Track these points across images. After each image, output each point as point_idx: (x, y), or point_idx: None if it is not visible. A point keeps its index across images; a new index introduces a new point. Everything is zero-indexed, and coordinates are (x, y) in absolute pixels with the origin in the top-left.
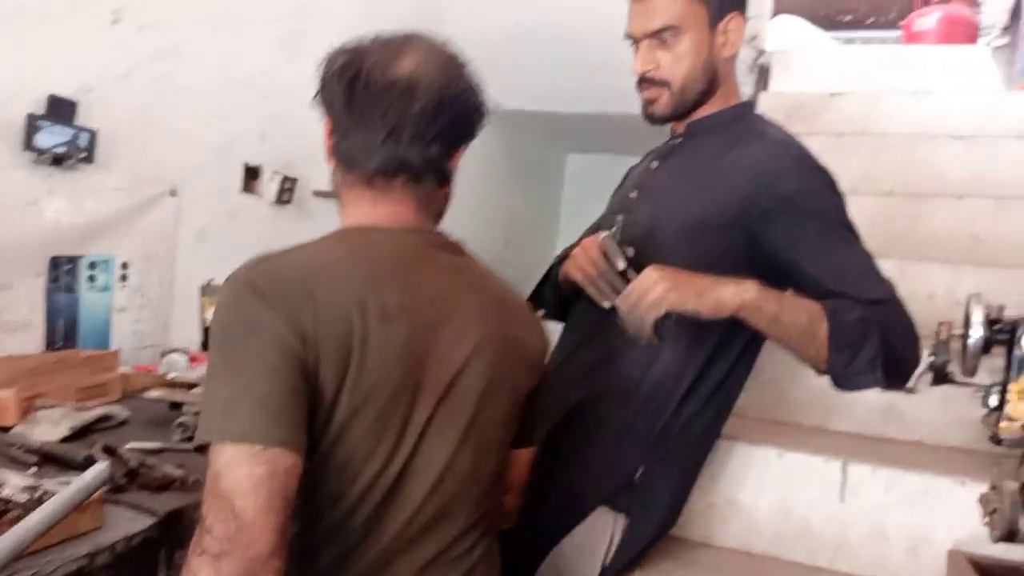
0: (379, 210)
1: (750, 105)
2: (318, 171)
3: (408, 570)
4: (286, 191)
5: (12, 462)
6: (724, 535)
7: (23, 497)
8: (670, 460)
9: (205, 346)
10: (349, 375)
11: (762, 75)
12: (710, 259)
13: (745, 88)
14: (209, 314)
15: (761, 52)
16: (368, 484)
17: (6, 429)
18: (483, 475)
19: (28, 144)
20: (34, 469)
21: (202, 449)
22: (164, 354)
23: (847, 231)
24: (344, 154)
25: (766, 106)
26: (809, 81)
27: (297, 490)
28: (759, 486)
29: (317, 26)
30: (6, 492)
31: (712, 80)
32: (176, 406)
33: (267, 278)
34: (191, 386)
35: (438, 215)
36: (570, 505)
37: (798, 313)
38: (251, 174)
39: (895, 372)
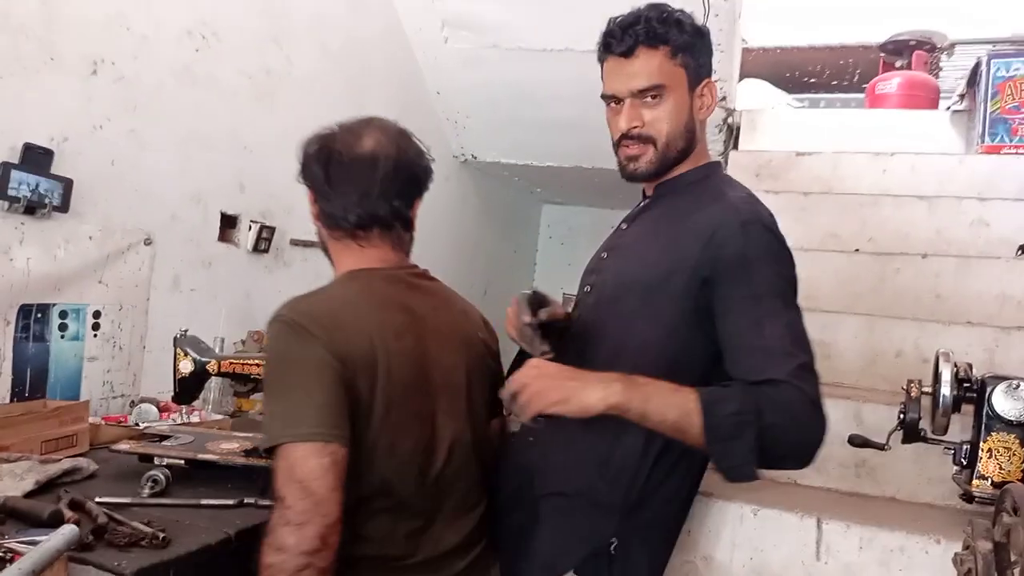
0: (366, 255)
1: (717, 165)
2: (295, 220)
3: (441, 516)
4: (263, 240)
5: None
6: None
7: None
8: (645, 529)
9: (177, 398)
10: (379, 381)
11: (731, 134)
12: (666, 322)
13: (715, 146)
14: (182, 365)
15: (730, 112)
16: (405, 459)
17: None
18: (480, 443)
19: (2, 193)
20: None
21: (270, 452)
22: (135, 404)
23: (776, 300)
24: (328, 215)
25: (736, 164)
26: (776, 141)
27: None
28: (734, 542)
29: (286, 85)
30: None
31: (691, 140)
32: (146, 459)
33: (305, 316)
34: (162, 438)
35: (407, 252)
36: (543, 573)
37: (666, 410)
38: (228, 223)
39: (783, 457)
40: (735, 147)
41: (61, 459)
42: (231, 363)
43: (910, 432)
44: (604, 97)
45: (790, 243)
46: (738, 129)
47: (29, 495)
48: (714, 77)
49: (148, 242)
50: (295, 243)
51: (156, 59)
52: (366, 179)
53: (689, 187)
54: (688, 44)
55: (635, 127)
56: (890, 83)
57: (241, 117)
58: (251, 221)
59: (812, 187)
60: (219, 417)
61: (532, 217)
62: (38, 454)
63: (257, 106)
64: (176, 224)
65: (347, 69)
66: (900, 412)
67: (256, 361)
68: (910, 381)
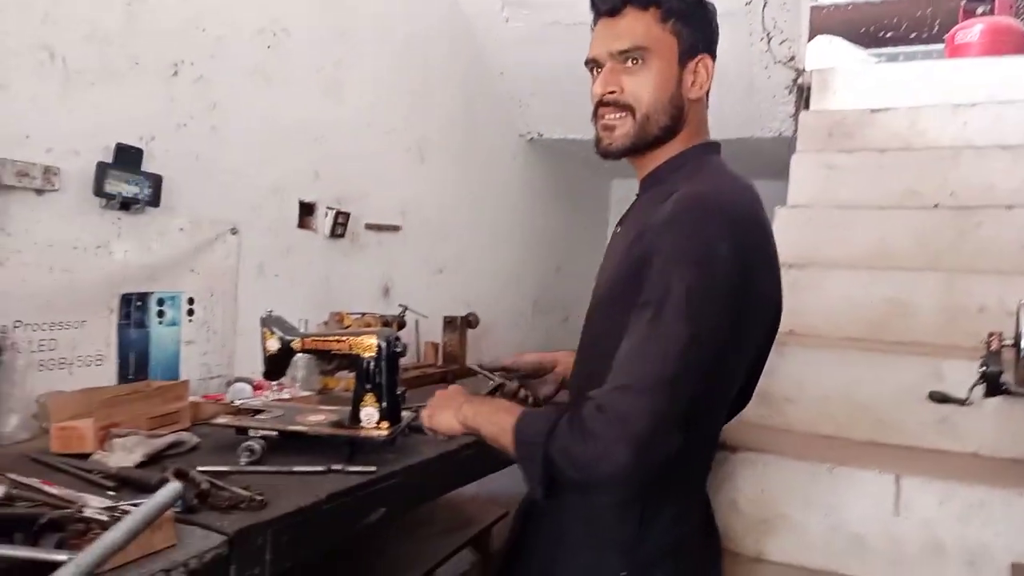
0: None
1: (706, 147)
2: (369, 205)
3: None
4: (339, 225)
5: (92, 486)
6: (777, 550)
7: (104, 516)
8: (657, 557)
9: (267, 375)
10: None
11: (801, 95)
12: (621, 333)
13: (785, 108)
14: (269, 343)
15: (800, 72)
16: None
17: (85, 456)
18: None
19: (99, 190)
20: (111, 493)
21: None
22: (230, 383)
23: (653, 309)
24: None
25: (807, 126)
26: (850, 99)
27: None
28: (808, 501)
29: (354, 76)
30: (87, 512)
31: (677, 118)
32: (242, 431)
33: None
34: (256, 412)
35: None
36: None
37: (492, 429)
38: (306, 210)
39: (577, 480)
40: (806, 107)
41: (166, 434)
42: (314, 340)
43: (992, 386)
44: (587, 64)
45: (865, 202)
46: (809, 89)
47: (139, 466)
48: (779, 38)
49: (234, 231)
50: (369, 227)
51: (232, 58)
52: None
53: (670, 175)
54: (683, 11)
55: (611, 91)
56: (971, 31)
57: (313, 109)
58: (327, 208)
59: (889, 144)
60: (307, 393)
61: (602, 192)
62: (145, 430)
63: (327, 98)
64: (258, 214)
65: (411, 57)
66: (981, 366)
67: (336, 338)
68: (991, 334)
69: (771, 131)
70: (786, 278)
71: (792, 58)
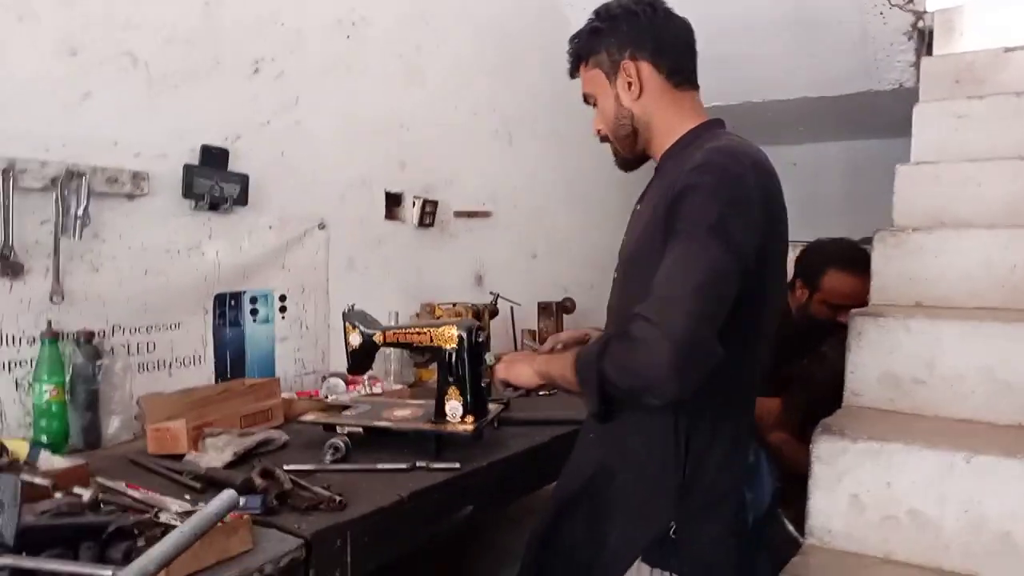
0: None
1: (708, 124)
2: (457, 192)
3: None
4: (427, 214)
5: (179, 488)
6: (906, 550)
7: (176, 522)
8: (701, 511)
9: (351, 369)
10: None
11: (923, 40)
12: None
13: (905, 55)
14: (351, 338)
15: (920, 15)
16: None
17: (179, 457)
18: None
19: (187, 192)
20: (189, 496)
21: None
22: (324, 378)
23: (685, 237)
24: None
25: (930, 73)
26: (979, 39)
27: None
28: (943, 495)
29: (436, 60)
30: (164, 517)
31: (631, 126)
32: (329, 428)
33: None
34: (343, 408)
35: None
36: (609, 562)
37: (562, 371)
38: (393, 201)
39: (634, 388)
40: (928, 53)
41: (256, 432)
42: (395, 334)
43: None
44: None
45: (1001, 153)
46: (931, 33)
47: (228, 466)
48: None
49: (322, 226)
50: (459, 214)
51: (311, 51)
52: None
53: (679, 155)
54: (592, 44)
55: (598, 131)
56: None
57: (395, 97)
58: (414, 197)
59: None
60: (399, 387)
61: None
62: (238, 428)
63: (409, 85)
64: (345, 207)
65: (497, 36)
66: None
67: (417, 330)
68: None
69: (889, 83)
70: (910, 244)
71: (910, 0)
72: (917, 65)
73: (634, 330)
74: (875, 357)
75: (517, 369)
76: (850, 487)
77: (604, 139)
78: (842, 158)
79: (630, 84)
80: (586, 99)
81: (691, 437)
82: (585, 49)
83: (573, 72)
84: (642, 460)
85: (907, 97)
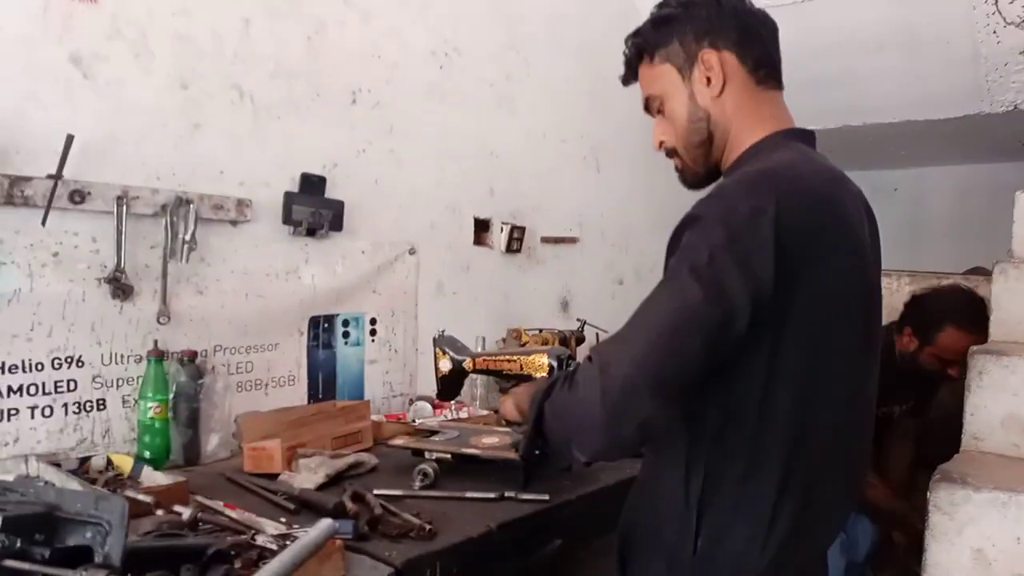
0: None
1: (779, 135)
2: (545, 218)
3: None
4: (515, 240)
5: (274, 508)
6: None
7: (273, 545)
8: None
9: (440, 395)
10: None
11: None
12: None
13: (1020, 76)
14: (441, 364)
15: None
16: None
17: (273, 476)
18: None
19: (287, 218)
20: (284, 518)
21: None
22: (412, 401)
23: (665, 281)
24: None
25: None
26: None
27: None
28: None
29: (526, 88)
30: (260, 540)
31: (706, 129)
32: (417, 453)
33: None
34: (431, 433)
35: None
36: None
37: (526, 404)
38: (481, 227)
39: (568, 439)
40: None
41: (348, 454)
42: (484, 360)
43: None
44: None
45: None
46: None
47: (320, 487)
48: None
49: (412, 252)
50: (546, 240)
51: (406, 81)
52: None
53: (737, 169)
54: (661, 35)
55: (660, 144)
56: None
57: (486, 125)
58: (502, 223)
59: None
60: (485, 412)
61: None
62: (329, 449)
63: (499, 112)
64: (435, 232)
65: (584, 61)
66: None
67: (507, 357)
68: None
69: (1003, 105)
70: None
71: None
72: None
73: (579, 370)
74: (998, 399)
75: (504, 405)
76: (973, 540)
77: (670, 153)
78: (948, 183)
79: (710, 79)
80: (647, 105)
81: (706, 505)
82: (652, 42)
83: (629, 75)
84: (655, 526)
85: (1022, 119)
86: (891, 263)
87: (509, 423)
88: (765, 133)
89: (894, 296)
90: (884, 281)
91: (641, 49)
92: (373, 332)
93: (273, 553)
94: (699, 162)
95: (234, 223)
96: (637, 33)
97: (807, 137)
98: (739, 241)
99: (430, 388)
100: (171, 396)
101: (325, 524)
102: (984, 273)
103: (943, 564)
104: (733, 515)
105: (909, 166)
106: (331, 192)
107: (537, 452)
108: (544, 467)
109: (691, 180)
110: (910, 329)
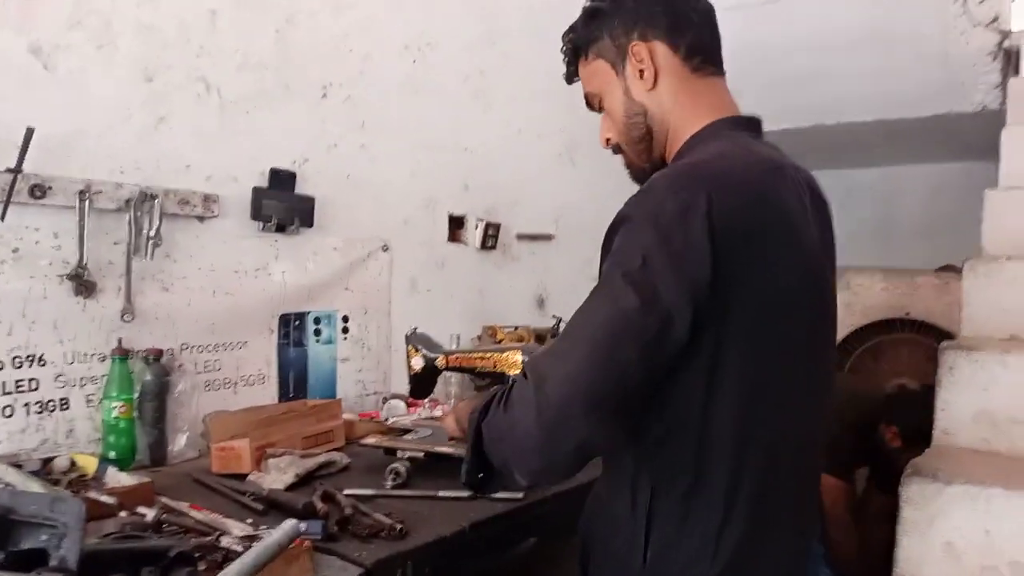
0: None
1: (714, 127)
2: (520, 214)
3: None
4: (490, 236)
5: (242, 508)
6: None
7: (239, 547)
8: None
9: (413, 393)
10: None
11: (1009, 60)
12: None
13: (989, 76)
14: (413, 361)
15: (1006, 35)
16: None
17: (242, 476)
18: None
19: (256, 214)
20: (251, 519)
21: None
22: (385, 400)
23: (616, 270)
24: None
25: (1018, 94)
26: None
27: None
28: None
29: (502, 82)
30: (225, 541)
31: (644, 123)
32: (390, 452)
33: None
34: (404, 432)
35: None
36: None
37: (464, 421)
38: (456, 223)
39: (505, 461)
40: (1015, 73)
41: (319, 454)
42: (458, 358)
43: None
44: None
45: None
46: (1018, 53)
47: (290, 487)
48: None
49: (385, 248)
50: (521, 237)
51: (378, 76)
52: None
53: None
54: (592, 30)
55: (607, 141)
56: None
57: (461, 120)
58: (477, 220)
59: None
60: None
61: None
62: (300, 449)
63: (475, 107)
64: (409, 229)
65: (559, 56)
66: None
67: (481, 355)
68: None
69: (972, 104)
70: (1004, 273)
71: (995, 19)
72: (1003, 86)
73: (514, 388)
74: (969, 394)
75: (447, 420)
76: (944, 533)
77: (616, 149)
78: (919, 182)
79: (642, 71)
80: (589, 102)
81: (653, 518)
82: (584, 38)
83: (571, 73)
84: (607, 534)
85: (991, 119)
86: (863, 261)
87: (452, 439)
88: (704, 123)
89: (868, 294)
90: (858, 279)
91: (576, 45)
92: (345, 330)
93: (238, 555)
94: (643, 157)
95: (201, 219)
96: (571, 29)
97: (751, 124)
98: (670, 241)
99: (403, 386)
100: (136, 395)
101: (289, 525)
102: (955, 271)
103: (914, 558)
104: (680, 527)
105: (882, 164)
106: (302, 188)
107: (481, 476)
108: (493, 490)
109: (639, 176)
110: (897, 431)
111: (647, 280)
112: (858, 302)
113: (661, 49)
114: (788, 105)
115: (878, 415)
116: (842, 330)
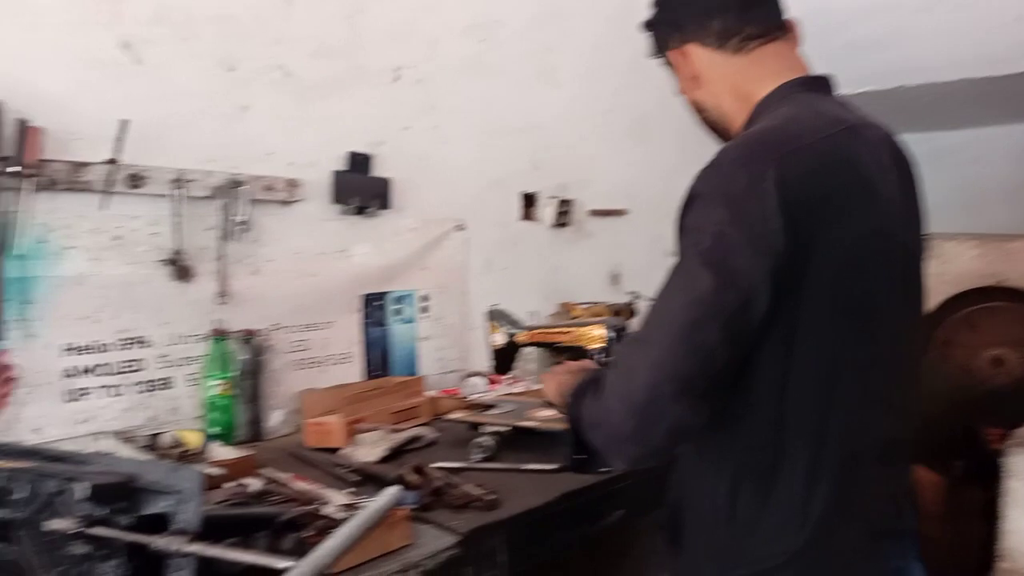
0: None
1: (779, 92)
2: (592, 190)
3: None
4: (562, 214)
5: (337, 480)
6: None
7: (340, 515)
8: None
9: (495, 369)
10: None
11: None
12: None
13: None
14: (495, 337)
15: None
16: None
17: (334, 450)
18: None
19: (336, 198)
20: (352, 489)
21: None
22: (465, 377)
23: (672, 273)
24: None
25: None
26: None
27: None
28: None
29: (567, 59)
30: (328, 510)
31: (713, 116)
32: (475, 427)
33: None
34: (488, 407)
35: None
36: None
37: (567, 394)
38: (528, 201)
39: (599, 446)
40: None
41: (406, 429)
42: (539, 333)
43: None
44: None
45: None
46: None
47: (380, 461)
48: None
49: (460, 228)
50: (594, 213)
51: (447, 57)
52: None
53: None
54: (651, 40)
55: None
56: None
57: (528, 98)
58: (549, 197)
59: None
60: (540, 386)
61: None
62: (388, 424)
63: (542, 85)
64: (482, 208)
65: (629, 29)
66: None
67: (562, 330)
68: None
69: None
70: None
71: None
72: None
73: (606, 376)
74: None
75: (549, 383)
76: None
77: None
78: (1008, 143)
79: (686, 75)
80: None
81: (738, 496)
82: (650, 47)
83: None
84: (696, 503)
85: None
86: (951, 227)
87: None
88: (769, 89)
89: (959, 262)
90: (948, 247)
91: (656, 47)
92: (425, 309)
93: (339, 522)
94: (729, 135)
95: (285, 203)
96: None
97: (820, 84)
98: (742, 216)
99: (483, 363)
100: (234, 374)
101: (390, 493)
102: None
103: (1020, 530)
104: (765, 501)
105: (967, 126)
106: (377, 170)
107: (584, 458)
108: (594, 470)
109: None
110: (1002, 433)
111: (722, 258)
112: (949, 270)
113: (694, 50)
114: (869, 67)
115: (978, 411)
116: (933, 300)
